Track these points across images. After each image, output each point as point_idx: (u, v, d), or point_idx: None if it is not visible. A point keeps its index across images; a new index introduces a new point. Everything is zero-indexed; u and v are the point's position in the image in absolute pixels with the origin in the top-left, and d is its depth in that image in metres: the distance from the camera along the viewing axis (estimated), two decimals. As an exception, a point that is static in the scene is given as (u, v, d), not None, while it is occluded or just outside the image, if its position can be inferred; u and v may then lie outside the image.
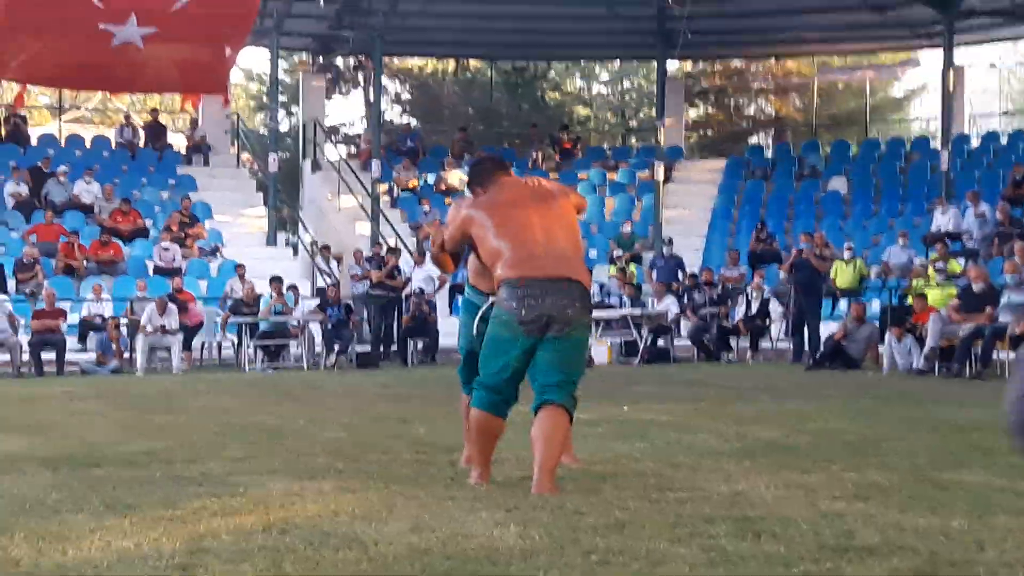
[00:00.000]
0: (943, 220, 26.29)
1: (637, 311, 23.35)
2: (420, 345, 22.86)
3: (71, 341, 21.61)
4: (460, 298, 8.64)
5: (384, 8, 29.38)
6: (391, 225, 28.47)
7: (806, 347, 21.26)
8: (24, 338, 20.99)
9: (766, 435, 9.48)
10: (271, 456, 8.42)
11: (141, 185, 29.69)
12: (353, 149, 36.75)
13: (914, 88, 47.32)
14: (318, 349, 22.54)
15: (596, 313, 20.82)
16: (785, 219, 30.29)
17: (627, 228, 29.18)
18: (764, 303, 22.99)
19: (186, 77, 28.47)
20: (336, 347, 22.18)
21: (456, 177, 30.95)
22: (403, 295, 23.76)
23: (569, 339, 6.80)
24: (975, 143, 33.34)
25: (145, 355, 21.12)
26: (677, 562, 4.93)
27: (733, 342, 22.78)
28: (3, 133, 30.41)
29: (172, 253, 25.75)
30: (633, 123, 48.44)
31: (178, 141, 34.06)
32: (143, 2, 25.88)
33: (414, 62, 45.77)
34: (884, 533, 5.43)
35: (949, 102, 29.39)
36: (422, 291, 23.24)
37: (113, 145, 31.72)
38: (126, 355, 21.71)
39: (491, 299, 7.08)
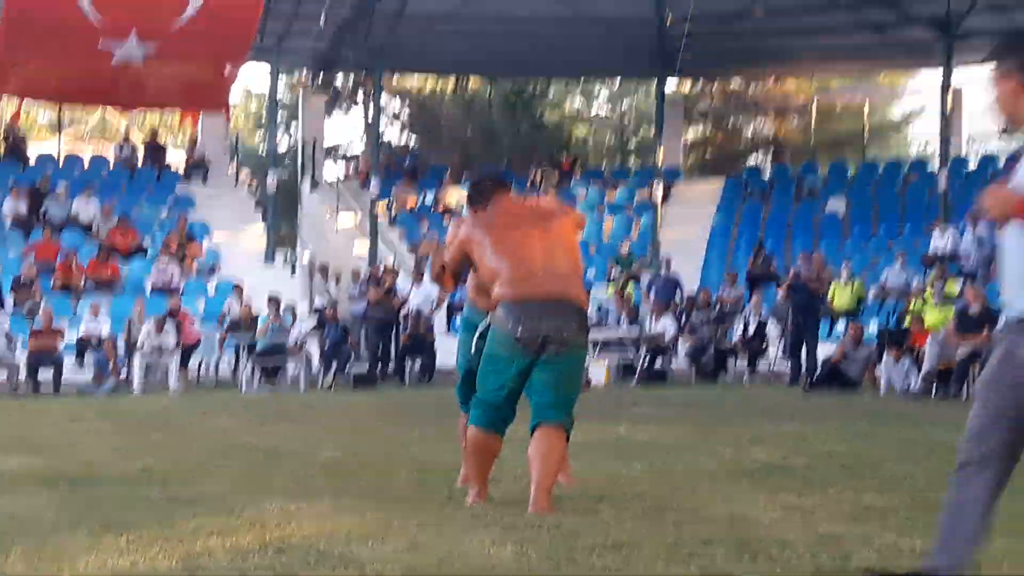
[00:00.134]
0: (941, 242, 26.30)
1: (635, 331, 23.34)
2: (418, 365, 22.84)
3: (68, 359, 21.56)
4: (459, 317, 8.64)
5: (384, 27, 29.42)
6: (389, 244, 28.46)
7: (803, 368, 21.23)
8: (21, 356, 20.96)
9: (763, 457, 9.47)
10: (268, 476, 8.41)
11: (140, 203, 29.67)
12: (352, 168, 36.77)
13: (912, 110, 47.43)
14: (315, 368, 22.49)
15: (594, 333, 20.82)
16: (783, 240, 30.30)
17: (625, 248, 29.20)
18: (762, 324, 22.98)
19: (186, 94, 28.51)
20: (333, 366, 22.14)
21: (455, 196, 30.98)
22: (401, 315, 23.74)
23: (566, 359, 6.82)
24: (973, 165, 33.38)
25: (142, 374, 21.09)
26: (674, 583, 4.93)
27: (731, 363, 22.76)
28: (2, 151, 30.41)
29: (170, 271, 25.72)
30: (632, 143, 48.50)
31: (177, 159, 34.07)
32: (143, 19, 25.91)
33: (413, 81, 45.85)
34: (881, 555, 5.43)
35: (947, 124, 29.43)
36: (420, 311, 23.22)
37: (112, 163, 31.71)
38: (123, 374, 21.67)
39: (490, 317, 7.10)
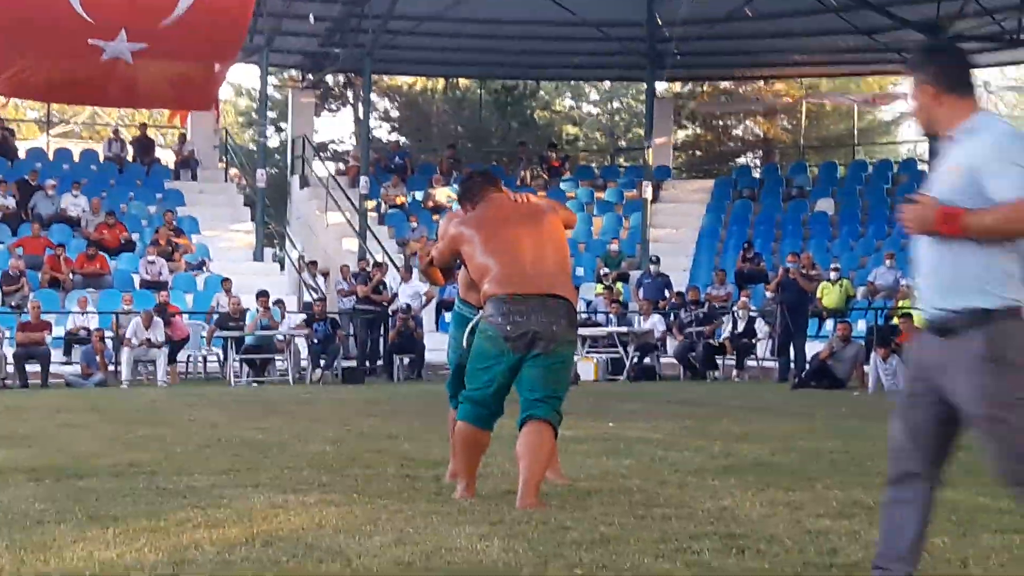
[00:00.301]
0: (929, 242, 26.32)
1: (623, 329, 23.38)
2: (406, 361, 22.86)
3: (56, 354, 21.56)
4: (448, 314, 8.63)
5: (374, 26, 29.40)
6: (378, 241, 28.45)
7: (792, 366, 21.28)
8: (9, 350, 20.95)
9: (752, 453, 9.48)
10: (256, 469, 8.40)
11: (128, 199, 29.63)
12: (342, 166, 36.74)
13: (902, 111, 47.47)
14: (304, 364, 22.51)
15: (583, 330, 20.87)
16: (772, 239, 30.35)
17: (614, 247, 29.23)
18: (750, 322, 23.03)
19: (176, 93, 28.51)
20: (322, 362, 22.16)
21: (444, 194, 30.97)
22: (389, 311, 23.75)
23: (555, 355, 6.82)
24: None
25: (130, 368, 21.08)
26: (661, 577, 4.93)
27: (719, 361, 22.80)
28: (-9, 146, 30.35)
29: (158, 267, 25.69)
30: (622, 143, 48.53)
31: (166, 156, 34.03)
32: (133, 18, 25.87)
33: (404, 80, 45.83)
34: (868, 550, 5.42)
35: (937, 126, 29.40)
36: (408, 307, 23.23)
37: (101, 159, 31.66)
38: (111, 368, 21.66)
39: (480, 313, 7.10)
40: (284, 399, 16.60)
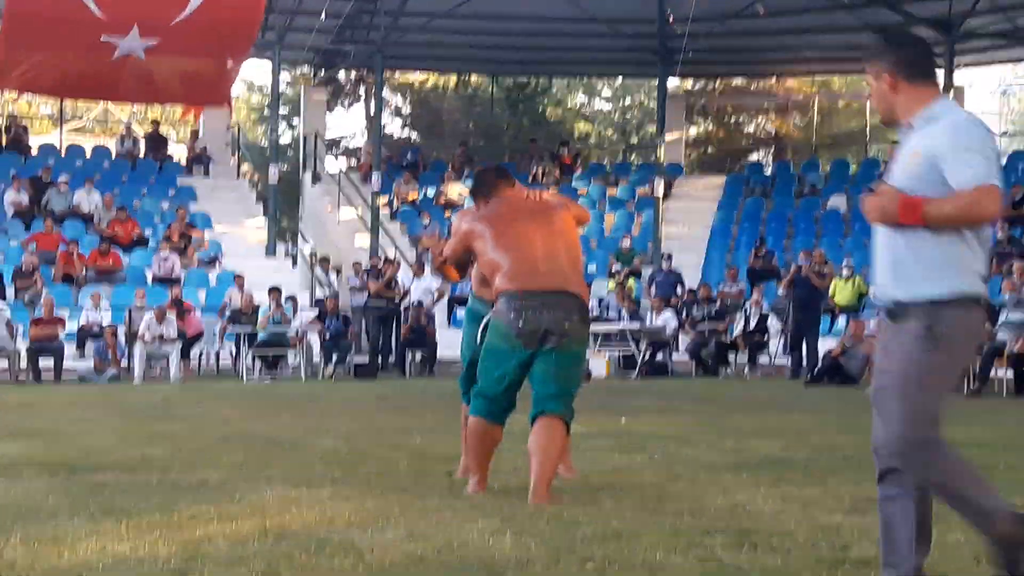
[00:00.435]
0: (942, 239, 26.26)
1: (636, 325, 23.36)
2: (418, 356, 22.87)
3: (69, 349, 21.61)
4: (460, 310, 8.63)
5: (386, 23, 29.42)
6: (390, 237, 28.48)
7: (804, 363, 21.26)
8: (22, 345, 21.00)
9: (764, 449, 9.47)
10: (268, 464, 8.41)
11: (141, 195, 29.69)
12: (354, 162, 36.77)
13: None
14: (316, 359, 22.53)
15: (595, 327, 20.83)
16: (784, 236, 30.31)
17: (626, 243, 29.21)
18: (762, 319, 23.00)
19: (188, 89, 28.52)
20: (334, 358, 22.18)
21: (456, 191, 30.98)
22: (402, 307, 23.77)
23: (566, 351, 6.83)
24: (974, 163, 33.29)
25: (143, 363, 21.12)
26: (674, 572, 4.93)
27: (731, 357, 22.78)
28: (4, 142, 30.42)
29: (171, 263, 25.73)
30: (634, 139, 48.50)
31: (179, 152, 34.08)
32: (145, 14, 25.92)
33: (415, 76, 45.84)
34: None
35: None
36: (421, 303, 23.24)
37: (114, 155, 31.73)
38: (124, 363, 21.70)
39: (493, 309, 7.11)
40: (296, 395, 16.63)
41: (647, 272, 28.23)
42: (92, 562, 5.12)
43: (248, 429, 11.14)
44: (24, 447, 9.50)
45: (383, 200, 30.61)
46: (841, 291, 23.74)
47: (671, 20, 29.93)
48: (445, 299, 25.41)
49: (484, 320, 7.27)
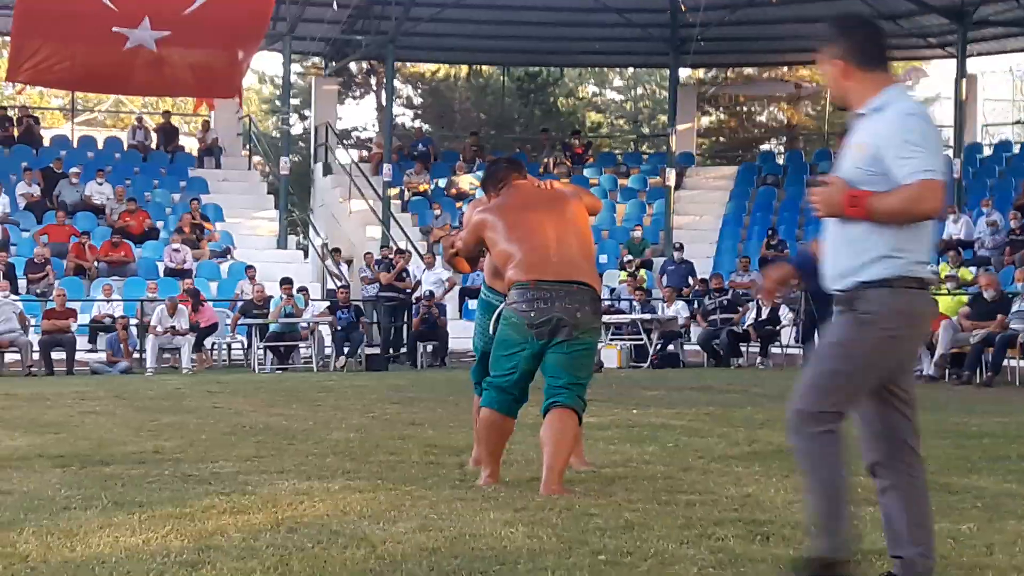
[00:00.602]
0: (955, 228, 26.25)
1: (647, 316, 23.36)
2: (430, 348, 22.88)
3: (81, 341, 21.65)
4: (472, 301, 8.62)
5: (397, 13, 29.41)
6: (402, 229, 28.48)
7: (816, 354, 21.21)
8: (35, 338, 21.05)
9: (776, 439, 9.44)
10: (280, 456, 8.42)
11: (153, 187, 29.73)
12: (365, 153, 36.76)
13: (927, 97, 47.26)
14: (327, 351, 22.55)
15: (606, 317, 20.85)
16: (796, 226, 30.25)
17: (638, 233, 29.18)
18: (774, 309, 22.96)
19: (199, 80, 28.53)
20: (345, 349, 22.20)
21: (467, 181, 30.98)
22: (413, 298, 23.78)
23: (578, 342, 6.82)
24: (987, 152, 33.26)
25: (155, 355, 21.15)
26: (686, 563, 4.92)
27: (743, 348, 22.75)
28: (16, 134, 30.47)
29: (183, 254, 25.77)
30: (645, 129, 48.45)
31: (190, 143, 34.11)
32: (157, 5, 25.95)
33: (426, 67, 45.82)
34: (893, 537, 5.41)
35: (962, 111, 29.34)
36: (432, 294, 23.25)
37: (125, 147, 31.77)
38: (136, 355, 21.75)
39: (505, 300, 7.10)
40: (308, 386, 16.63)
41: (659, 262, 28.21)
42: (105, 554, 5.13)
43: (260, 421, 11.14)
44: (36, 440, 9.52)
45: (394, 191, 30.62)
46: (853, 281, 23.67)
47: (683, 9, 29.89)
48: (456, 290, 25.42)
49: (496, 311, 7.26)
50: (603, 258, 27.92)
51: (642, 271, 26.89)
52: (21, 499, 6.55)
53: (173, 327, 21.27)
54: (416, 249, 26.93)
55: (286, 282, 22.61)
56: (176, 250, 25.81)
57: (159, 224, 27.73)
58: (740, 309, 23.29)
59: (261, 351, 21.90)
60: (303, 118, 44.53)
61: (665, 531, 5.54)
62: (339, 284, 25.16)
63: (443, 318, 23.18)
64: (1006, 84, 45.48)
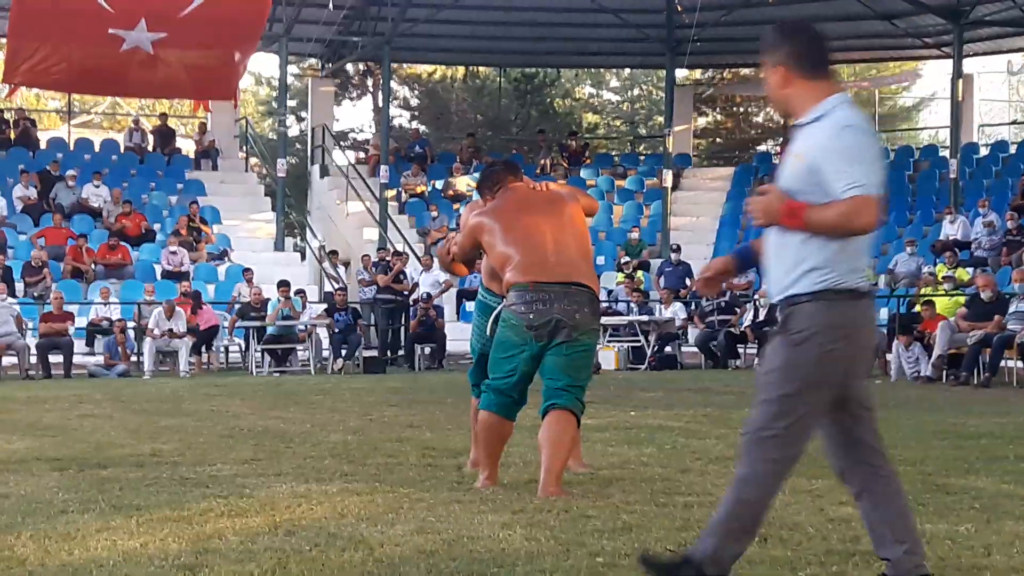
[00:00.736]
0: (952, 229, 26.26)
1: (644, 318, 23.36)
2: (427, 350, 22.87)
3: (79, 344, 21.63)
4: (469, 303, 8.61)
5: (393, 14, 29.42)
6: (399, 230, 28.48)
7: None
8: (32, 341, 21.03)
9: (773, 441, 9.44)
10: (278, 459, 8.42)
11: (150, 189, 29.72)
12: (362, 155, 36.77)
13: (923, 97, 47.32)
14: (325, 354, 22.54)
15: (604, 319, 20.83)
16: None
17: (635, 235, 29.18)
18: (772, 310, 22.94)
19: (195, 82, 28.53)
20: (343, 352, 22.19)
21: (464, 183, 30.97)
22: (410, 300, 23.77)
23: (577, 344, 6.82)
24: (984, 152, 33.28)
25: (153, 358, 21.13)
26: (684, 565, 4.91)
27: (741, 349, 22.75)
28: (12, 137, 30.44)
29: (180, 257, 25.76)
30: (642, 130, 48.47)
31: (187, 146, 34.10)
32: (153, 7, 25.95)
33: (423, 68, 45.83)
34: (891, 538, 5.41)
35: (958, 111, 29.35)
36: (429, 296, 23.23)
37: (122, 149, 31.75)
38: (133, 358, 21.73)
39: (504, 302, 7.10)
40: (305, 389, 16.63)
41: (656, 264, 28.21)
42: (102, 558, 5.13)
43: (257, 424, 11.15)
44: (34, 443, 9.52)
45: (391, 193, 30.62)
46: (850, 282, 23.69)
47: (679, 10, 29.90)
48: (454, 292, 25.41)
49: (494, 313, 7.27)
50: (600, 259, 27.89)
51: (639, 272, 26.89)
52: (19, 502, 6.55)
53: (171, 330, 21.26)
54: (413, 251, 26.93)
55: (283, 284, 22.59)
56: (173, 252, 25.80)
57: (156, 227, 27.71)
58: (738, 310, 23.28)
59: (259, 354, 21.89)
60: (300, 120, 44.56)
61: (663, 533, 5.55)
62: (336, 286, 25.14)
63: (441, 320, 23.17)
64: (1002, 84, 45.52)
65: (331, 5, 28.95)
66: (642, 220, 31.28)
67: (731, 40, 32.96)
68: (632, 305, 24.31)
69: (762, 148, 44.72)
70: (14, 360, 20.72)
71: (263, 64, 62.73)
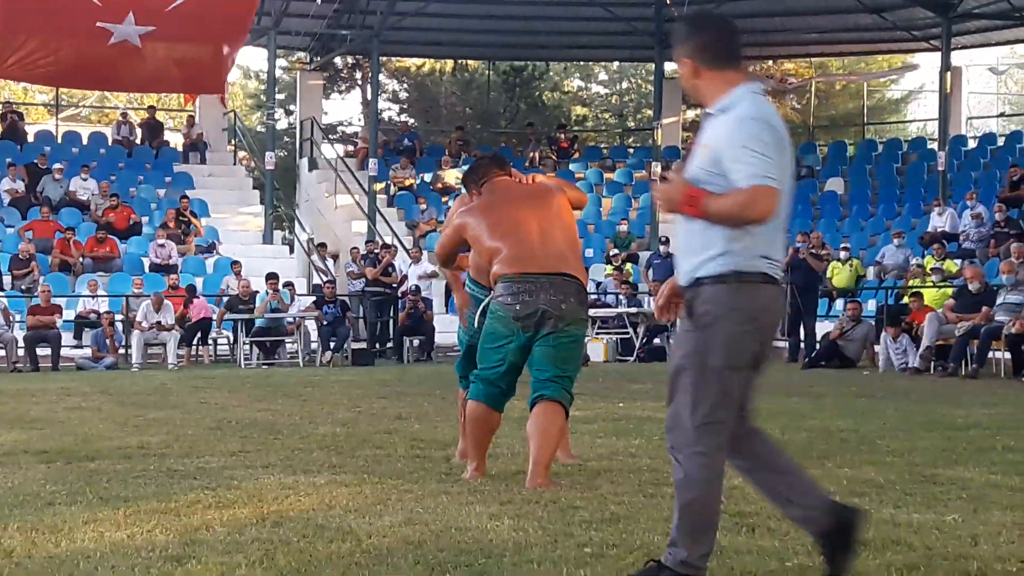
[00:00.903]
0: (940, 221, 26.30)
1: (633, 310, 23.37)
2: (416, 342, 22.87)
3: (67, 337, 21.58)
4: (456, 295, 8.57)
5: (382, 8, 29.37)
6: (388, 223, 28.45)
7: (802, 346, 21.26)
8: (20, 334, 20.98)
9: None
10: (266, 451, 8.42)
11: (138, 182, 29.65)
12: (350, 148, 36.73)
13: (912, 90, 47.38)
14: (314, 346, 22.53)
15: (593, 311, 20.85)
16: (782, 219, 30.24)
17: (624, 227, 29.18)
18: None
19: (184, 76, 28.47)
20: (332, 344, 22.18)
21: (453, 176, 30.94)
22: (399, 293, 23.77)
23: (564, 335, 6.82)
24: (972, 144, 33.34)
25: (140, 351, 21.10)
26: (671, 555, 4.91)
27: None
28: (0, 130, 30.35)
29: (168, 250, 25.72)
30: (631, 123, 48.47)
31: (175, 139, 34.03)
32: (141, 1, 25.88)
33: (412, 61, 45.76)
34: (878, 528, 5.43)
35: (946, 104, 29.39)
36: (418, 289, 23.23)
37: (110, 142, 31.68)
38: (121, 351, 21.70)
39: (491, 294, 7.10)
40: (294, 381, 16.62)
41: (645, 256, 28.21)
42: (90, 549, 5.12)
43: (246, 416, 11.13)
44: (21, 435, 9.50)
45: (380, 186, 30.59)
46: (839, 274, 23.75)
47: (668, 3, 29.90)
48: (442, 284, 25.40)
49: (482, 304, 7.27)
50: (589, 252, 27.91)
51: (628, 265, 26.90)
52: (6, 495, 6.53)
53: (159, 322, 21.23)
54: (402, 244, 26.91)
55: (272, 277, 22.57)
56: (161, 245, 25.76)
57: (144, 220, 27.65)
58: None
59: (247, 346, 21.86)
60: (288, 113, 44.48)
61: (651, 524, 5.55)
62: (325, 279, 25.12)
63: (429, 312, 23.17)
64: (990, 77, 45.59)
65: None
66: (631, 213, 31.29)
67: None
68: (621, 297, 24.34)
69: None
70: (2, 353, 20.66)
71: (251, 58, 62.58)
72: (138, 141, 31.65)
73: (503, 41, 35.31)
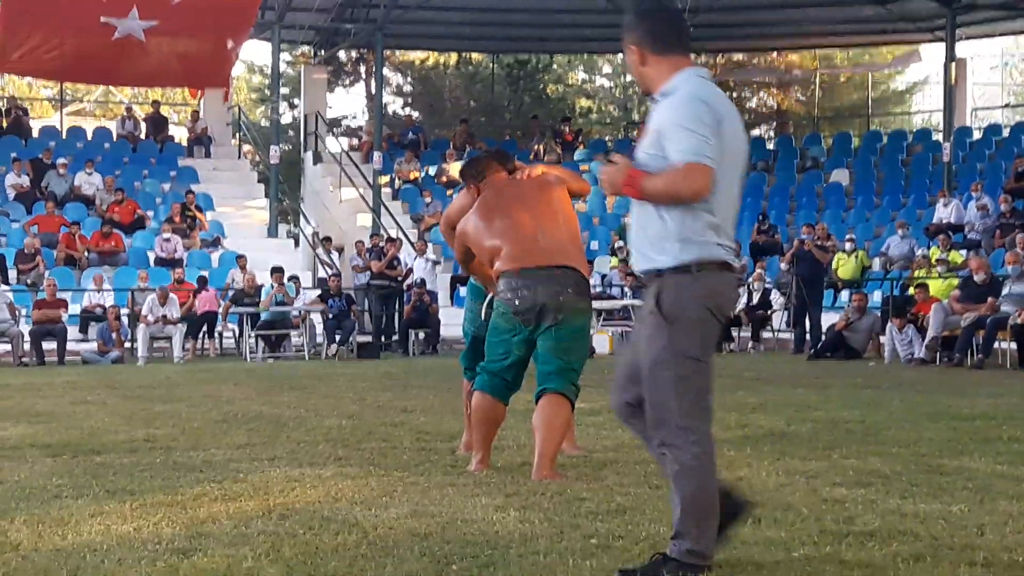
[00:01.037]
0: (945, 212, 26.28)
1: (638, 302, 23.33)
2: (421, 335, 22.87)
3: (72, 331, 21.61)
4: (463, 288, 8.60)
5: (385, 1, 29.35)
6: (392, 216, 28.45)
7: (807, 337, 21.26)
8: (25, 328, 21.01)
9: (767, 423, 9.47)
10: (272, 444, 8.42)
11: (143, 177, 29.67)
12: (355, 141, 36.72)
13: (916, 81, 47.31)
14: (319, 339, 22.53)
15: (597, 304, 20.83)
16: (787, 211, 30.27)
17: (629, 219, 29.13)
18: (765, 294, 22.99)
19: (188, 70, 28.52)
20: (337, 337, 22.17)
21: (457, 169, 30.88)
22: (404, 286, 23.77)
23: (566, 326, 6.82)
24: (977, 135, 33.29)
25: (146, 345, 21.12)
26: (677, 546, 4.91)
27: (735, 332, 22.77)
28: (4, 125, 30.38)
29: (173, 244, 25.74)
30: (635, 115, 48.42)
31: (180, 133, 34.04)
32: (145, -5, 25.93)
33: (416, 55, 45.74)
34: (884, 518, 5.43)
35: (951, 95, 29.35)
36: (423, 282, 23.24)
37: (115, 137, 31.69)
38: (127, 345, 21.71)
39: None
40: (299, 374, 16.62)
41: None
42: (96, 542, 5.13)
43: (251, 409, 11.14)
44: (28, 429, 9.51)
45: (384, 179, 30.59)
46: (844, 265, 23.74)
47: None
48: (447, 277, 25.43)
49: (488, 296, 7.28)
50: (594, 244, 27.92)
51: (633, 257, 26.87)
52: (13, 488, 6.54)
53: (164, 316, 21.25)
54: (407, 237, 26.91)
55: (277, 271, 22.57)
56: (167, 240, 25.78)
57: (149, 214, 27.67)
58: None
59: (252, 339, 21.87)
60: (293, 107, 44.46)
61: (656, 515, 5.55)
62: (330, 272, 25.12)
63: (434, 305, 23.16)
64: (995, 70, 45.51)
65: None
66: (636, 205, 31.23)
67: (723, 26, 32.95)
68: (626, 289, 24.32)
69: (755, 133, 44.66)
70: (7, 347, 20.70)
71: (256, 52, 62.66)
72: (143, 136, 31.66)
73: (507, 34, 35.30)
